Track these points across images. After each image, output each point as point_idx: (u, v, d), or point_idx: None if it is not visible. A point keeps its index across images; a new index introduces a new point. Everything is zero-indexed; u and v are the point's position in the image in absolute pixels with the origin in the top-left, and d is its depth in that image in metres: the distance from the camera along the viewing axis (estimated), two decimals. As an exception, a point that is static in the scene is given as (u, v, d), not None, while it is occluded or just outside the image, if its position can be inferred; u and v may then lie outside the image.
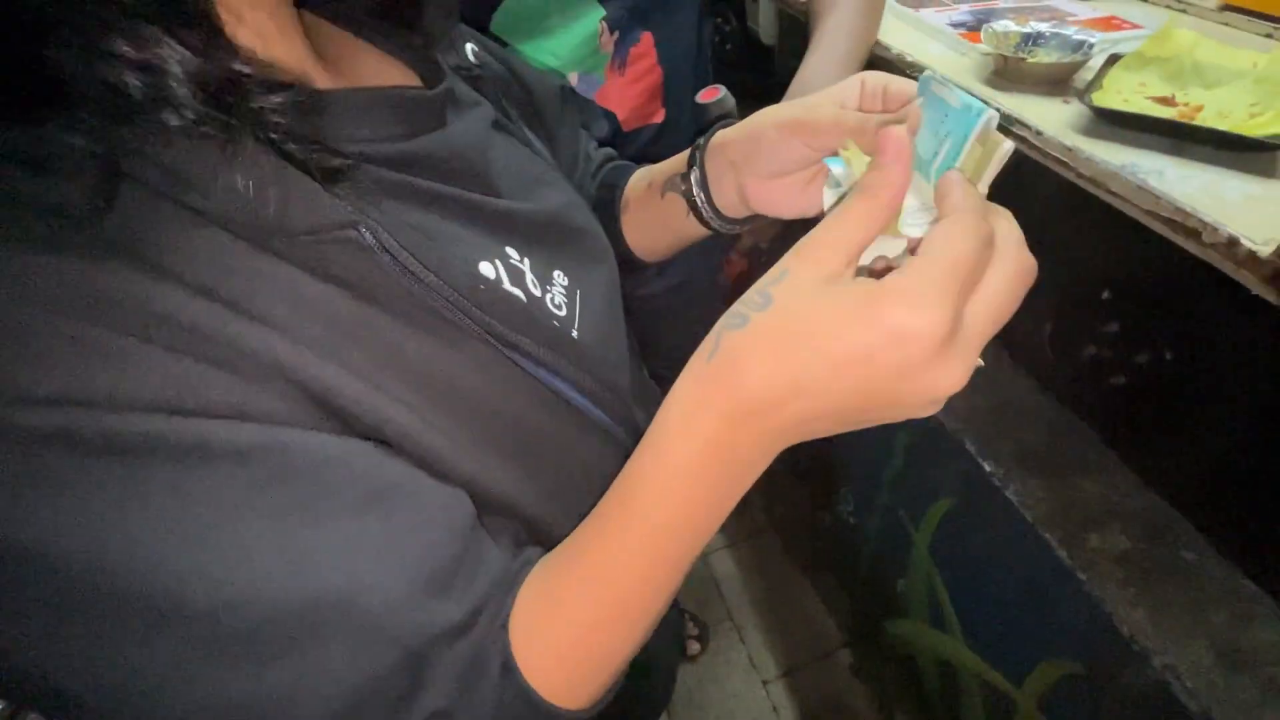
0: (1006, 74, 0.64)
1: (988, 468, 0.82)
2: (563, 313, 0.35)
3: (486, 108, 0.40)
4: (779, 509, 1.45)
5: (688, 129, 0.77)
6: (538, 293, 0.34)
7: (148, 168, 0.21)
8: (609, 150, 0.55)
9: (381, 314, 0.26)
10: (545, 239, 0.37)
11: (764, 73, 1.16)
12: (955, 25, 0.74)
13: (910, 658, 1.13)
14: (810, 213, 0.39)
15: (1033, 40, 0.65)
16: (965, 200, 0.24)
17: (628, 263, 0.51)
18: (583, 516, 0.30)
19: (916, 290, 0.22)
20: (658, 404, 0.27)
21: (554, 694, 0.27)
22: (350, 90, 0.30)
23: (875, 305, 0.23)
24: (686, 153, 0.45)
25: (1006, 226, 0.25)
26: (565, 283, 0.37)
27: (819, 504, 1.30)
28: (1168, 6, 0.77)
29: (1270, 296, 0.43)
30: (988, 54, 0.64)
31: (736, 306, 0.26)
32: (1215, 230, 0.45)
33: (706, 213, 0.44)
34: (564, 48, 0.67)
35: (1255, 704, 0.62)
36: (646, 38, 0.70)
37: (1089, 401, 1.37)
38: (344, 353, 0.25)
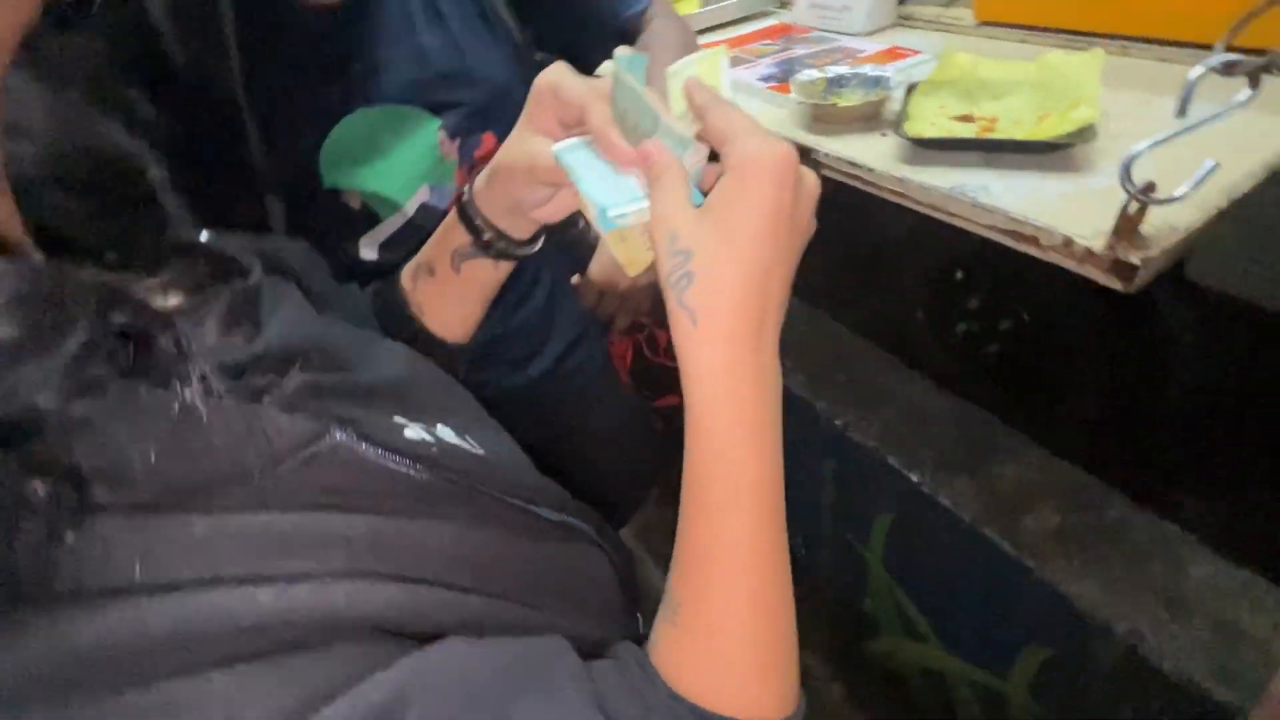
0: (823, 118, 0.67)
1: (915, 478, 0.83)
2: (479, 452, 0.35)
3: (293, 290, 0.36)
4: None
5: None
6: (454, 441, 0.34)
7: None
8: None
9: (373, 516, 0.25)
10: (414, 399, 0.36)
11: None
12: (764, 80, 0.78)
13: (897, 674, 1.12)
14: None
15: (837, 83, 0.69)
16: (708, 99, 0.32)
17: (450, 356, 0.49)
18: (586, 616, 0.31)
19: (755, 147, 0.28)
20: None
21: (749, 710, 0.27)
22: (173, 308, 0.28)
23: (747, 175, 0.28)
24: (448, 225, 0.45)
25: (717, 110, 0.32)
26: (453, 430, 0.36)
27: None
28: (936, 30, 0.86)
29: (1115, 285, 0.46)
30: (801, 103, 0.67)
31: (671, 278, 0.29)
32: (1050, 234, 0.48)
33: (513, 252, 0.45)
34: (404, 164, 0.63)
35: (1211, 642, 0.65)
36: (489, 138, 0.68)
37: (978, 382, 1.47)
38: (367, 567, 0.23)
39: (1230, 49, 0.40)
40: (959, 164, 0.57)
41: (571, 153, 0.36)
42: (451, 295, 0.48)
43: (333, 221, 0.65)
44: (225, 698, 0.18)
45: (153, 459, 0.20)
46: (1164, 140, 0.41)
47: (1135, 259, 0.44)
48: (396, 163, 0.63)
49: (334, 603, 0.21)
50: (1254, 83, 0.40)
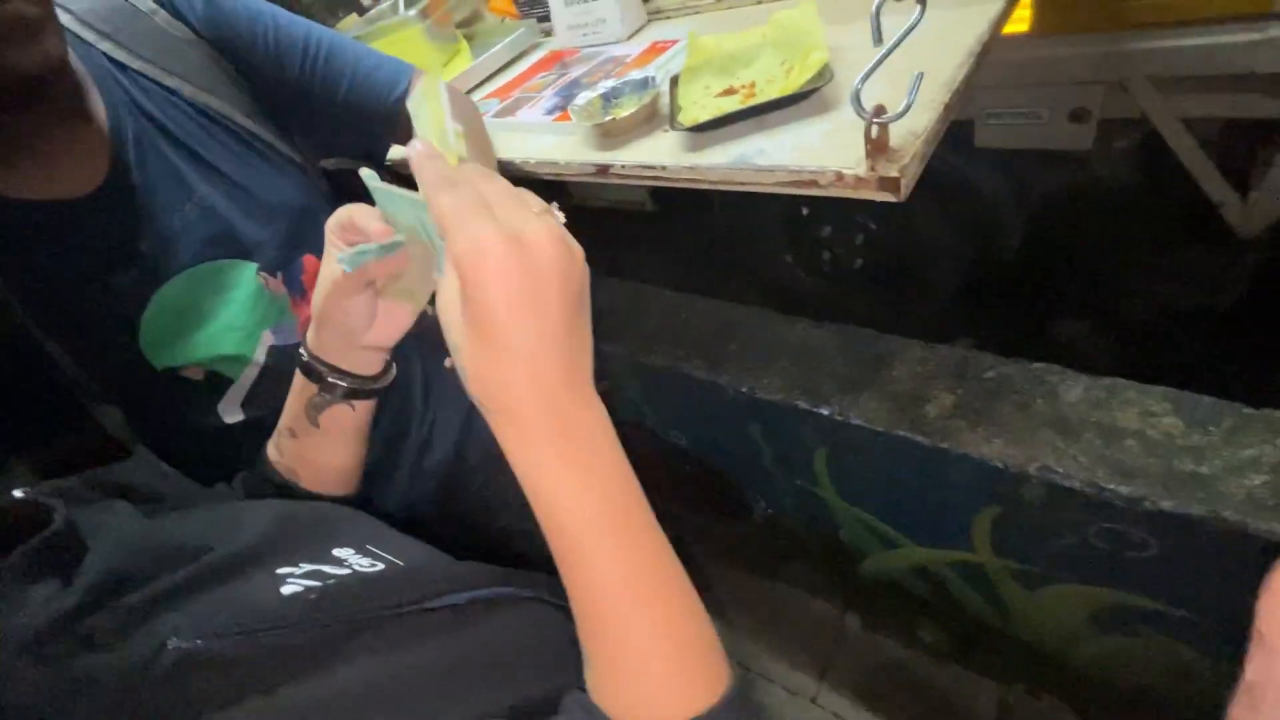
0: (608, 134, 0.70)
1: (825, 412, 0.88)
2: (379, 567, 0.36)
3: (119, 507, 0.36)
4: (714, 547, 1.45)
5: None
6: (347, 570, 0.35)
7: None
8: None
9: (262, 697, 0.25)
10: (292, 545, 0.36)
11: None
12: (550, 112, 0.81)
13: (894, 584, 1.18)
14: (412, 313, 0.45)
15: (611, 97, 0.73)
16: (429, 188, 0.31)
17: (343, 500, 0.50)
18: (526, 679, 0.32)
19: (461, 246, 0.28)
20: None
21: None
22: None
23: (464, 282, 0.28)
24: (297, 386, 0.47)
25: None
26: (351, 550, 0.37)
27: (737, 517, 1.32)
28: (685, 14, 0.92)
29: (889, 198, 0.51)
30: (587, 126, 0.70)
31: (461, 377, 0.31)
32: (824, 173, 0.53)
33: (368, 388, 0.47)
34: (236, 318, 0.61)
35: (1102, 448, 0.73)
36: (309, 259, 0.66)
37: (852, 300, 1.56)
38: None
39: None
40: (735, 136, 0.62)
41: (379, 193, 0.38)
42: (322, 450, 0.48)
43: (180, 401, 0.62)
44: None
45: None
46: (872, 69, 0.47)
47: (894, 172, 0.50)
48: (227, 320, 0.61)
49: None
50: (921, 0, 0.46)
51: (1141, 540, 0.73)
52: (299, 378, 0.47)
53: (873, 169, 0.50)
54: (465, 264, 0.27)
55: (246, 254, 0.62)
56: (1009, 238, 1.22)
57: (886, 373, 0.89)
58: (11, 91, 0.45)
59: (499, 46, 1.04)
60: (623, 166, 0.66)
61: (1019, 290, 1.32)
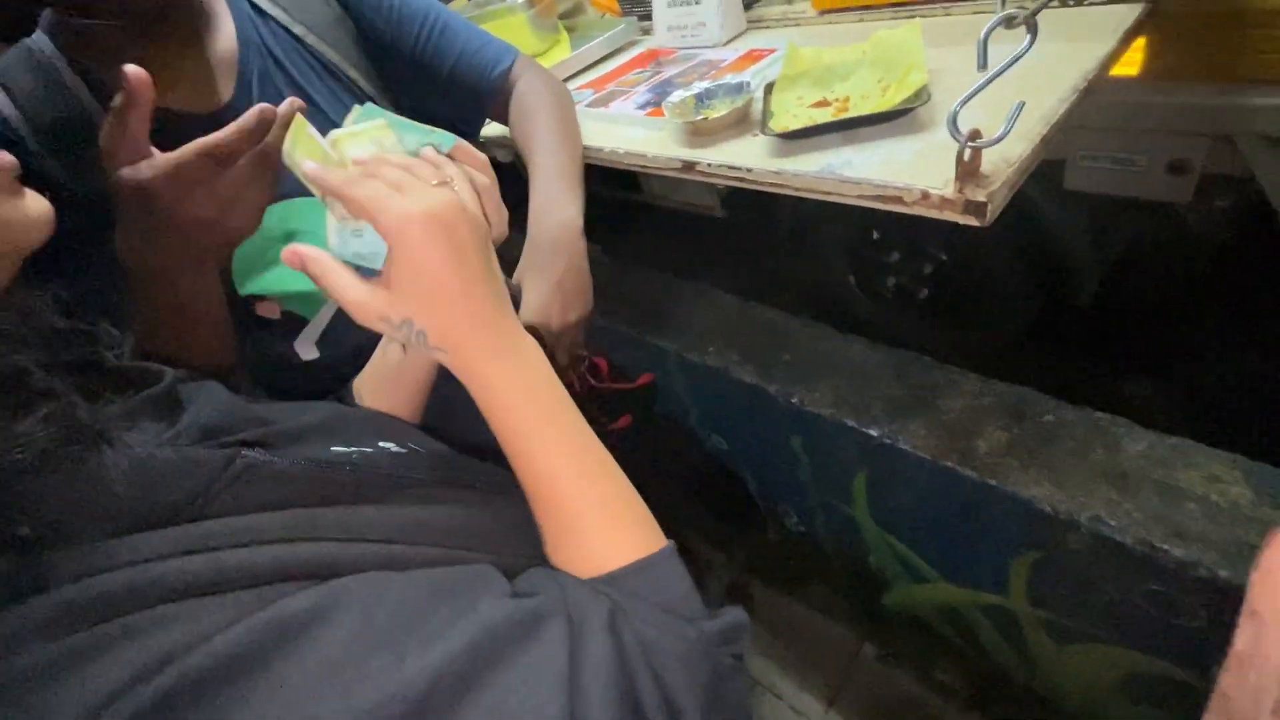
0: (698, 133, 0.72)
1: (874, 433, 0.88)
2: (402, 450, 0.42)
3: (213, 383, 0.42)
4: (740, 554, 1.45)
5: None
6: (380, 449, 0.40)
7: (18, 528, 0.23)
8: None
9: (304, 510, 0.30)
10: (345, 428, 0.42)
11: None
12: (642, 107, 0.84)
13: (918, 619, 1.16)
14: None
15: (705, 97, 0.75)
16: (334, 184, 0.37)
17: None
18: (514, 551, 0.37)
19: (393, 217, 0.34)
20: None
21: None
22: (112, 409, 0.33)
23: (400, 247, 0.34)
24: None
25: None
26: (393, 444, 0.42)
27: (764, 529, 1.32)
28: (784, 26, 0.93)
29: (972, 221, 0.52)
30: (677, 123, 0.73)
31: (412, 342, 0.36)
32: (910, 191, 0.54)
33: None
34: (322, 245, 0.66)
35: (1160, 507, 0.71)
36: None
37: (912, 329, 1.54)
38: (306, 539, 0.28)
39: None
40: (823, 147, 0.63)
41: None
42: (391, 382, 0.53)
43: (259, 334, 0.67)
44: (183, 617, 0.23)
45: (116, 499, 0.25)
46: (973, 94, 0.48)
47: (981, 196, 0.50)
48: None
49: (274, 555, 0.26)
50: (1031, 29, 0.47)
51: (1190, 608, 0.70)
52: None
53: (960, 191, 0.51)
54: (396, 239, 0.33)
55: None
56: (1086, 284, 1.18)
57: (940, 402, 0.88)
58: (146, 14, 0.55)
59: (598, 40, 1.08)
60: (709, 165, 0.68)
61: (1089, 340, 1.28)
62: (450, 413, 0.53)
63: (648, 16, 1.06)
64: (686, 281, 1.25)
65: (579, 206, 0.69)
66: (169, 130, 0.59)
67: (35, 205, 0.31)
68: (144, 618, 0.22)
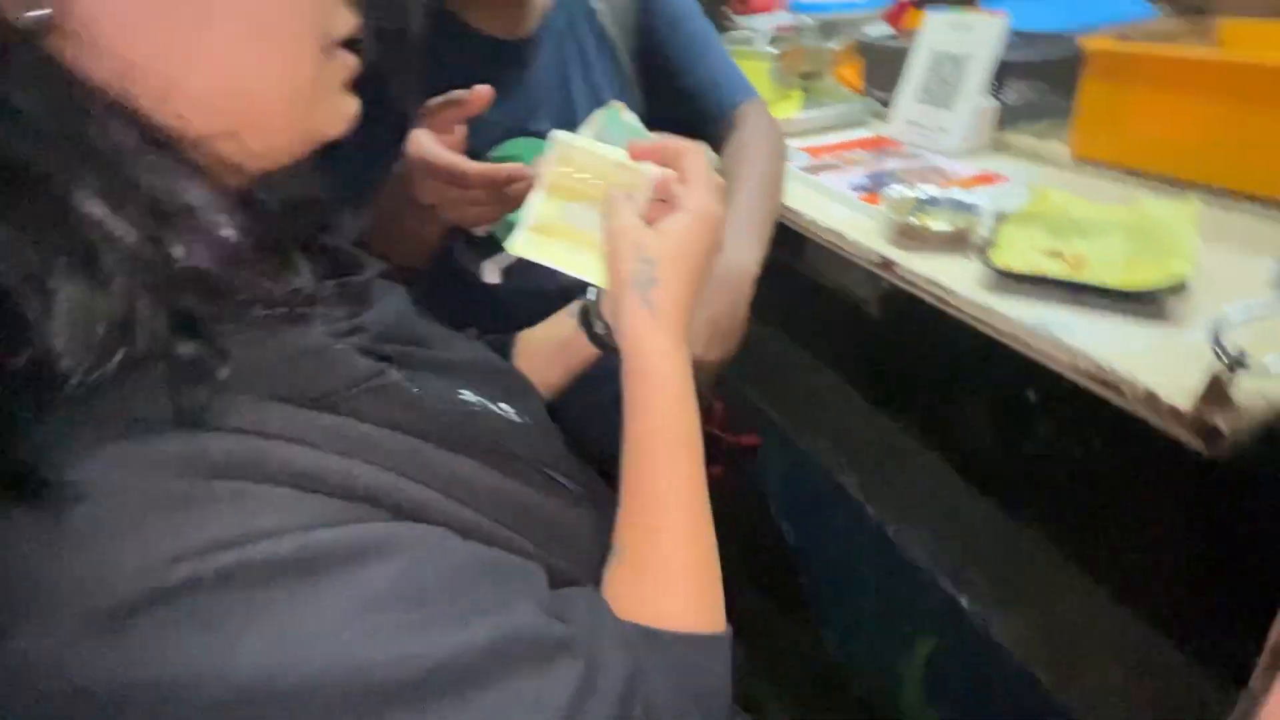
0: (909, 236, 0.69)
1: (964, 603, 0.80)
2: (520, 420, 0.42)
3: (399, 289, 0.45)
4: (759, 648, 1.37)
5: None
6: (498, 411, 0.41)
7: (221, 369, 0.25)
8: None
9: (420, 440, 0.31)
10: (481, 378, 0.44)
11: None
12: (855, 188, 0.82)
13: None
14: None
15: (928, 203, 0.72)
16: (679, 148, 0.43)
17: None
18: (568, 561, 0.35)
19: (709, 201, 0.40)
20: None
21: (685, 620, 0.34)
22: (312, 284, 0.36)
23: (700, 219, 0.40)
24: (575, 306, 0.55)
25: (691, 158, 0.42)
26: (513, 410, 0.43)
27: (798, 637, 1.24)
28: (1030, 160, 0.88)
29: (1199, 448, 0.45)
30: (890, 218, 0.70)
31: (636, 277, 0.39)
32: (1134, 386, 0.48)
33: (604, 335, 0.53)
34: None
35: None
36: None
37: (1043, 510, 1.40)
38: (405, 472, 0.29)
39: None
40: (1044, 298, 0.58)
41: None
42: (544, 350, 0.57)
43: (459, 248, 0.72)
44: (263, 503, 0.24)
45: (276, 363, 0.28)
46: (1257, 313, 0.42)
47: (1222, 425, 0.43)
48: None
49: (362, 478, 0.27)
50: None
51: None
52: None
53: (1198, 412, 0.44)
54: (710, 214, 0.40)
55: None
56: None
57: (1055, 604, 0.78)
58: None
59: (830, 109, 1.07)
60: (910, 272, 0.65)
61: (1255, 616, 1.10)
62: (585, 415, 0.54)
63: (887, 103, 1.04)
64: (822, 366, 1.21)
65: (757, 256, 0.69)
66: (467, 45, 0.68)
67: (350, 105, 0.33)
68: (246, 489, 0.24)
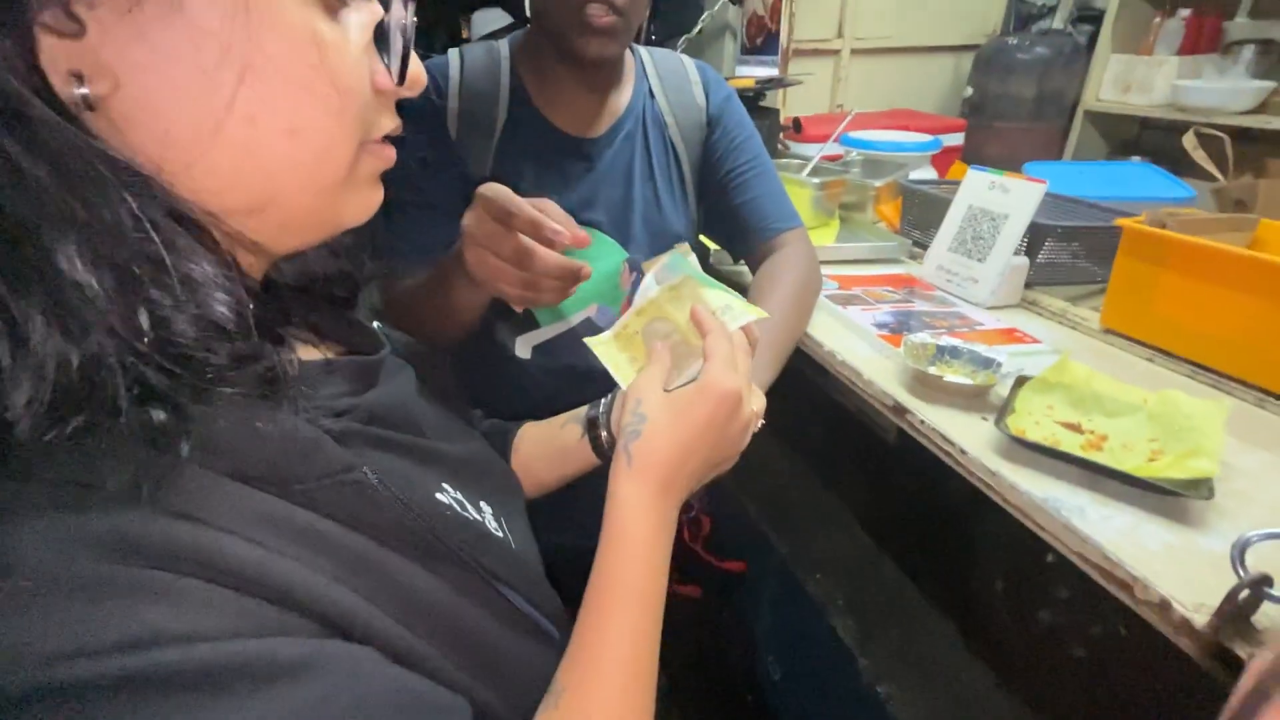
0: (926, 385, 0.68)
1: (954, 791, 0.72)
2: (500, 534, 0.42)
3: (409, 371, 0.46)
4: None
5: None
6: (477, 517, 0.41)
7: (183, 443, 0.25)
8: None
9: (376, 545, 0.31)
10: (468, 474, 0.44)
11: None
12: (878, 326, 0.82)
13: None
14: None
15: (948, 353, 0.71)
16: (711, 324, 0.45)
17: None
18: (520, 705, 0.34)
19: (721, 375, 0.42)
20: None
21: None
22: (319, 361, 0.36)
23: (704, 392, 0.42)
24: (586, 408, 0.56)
25: (715, 337, 0.44)
26: (491, 510, 0.43)
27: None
28: (1059, 323, 0.87)
29: (1214, 671, 0.41)
30: (908, 363, 0.69)
31: (626, 428, 0.42)
32: (1146, 588, 0.45)
33: (606, 443, 0.54)
34: (590, 281, 0.72)
35: None
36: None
37: (1055, 686, 1.29)
38: (349, 581, 0.28)
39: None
40: (1057, 474, 0.56)
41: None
42: (543, 450, 0.57)
43: (497, 316, 0.76)
44: (187, 601, 0.23)
45: (244, 442, 0.27)
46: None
47: (1240, 651, 0.40)
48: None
49: (300, 586, 0.26)
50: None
51: None
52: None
53: (1214, 631, 0.41)
54: (716, 389, 0.41)
55: (625, 245, 0.77)
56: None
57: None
58: (580, 59, 0.70)
59: (864, 244, 1.10)
60: (921, 422, 0.64)
61: None
62: (575, 520, 0.53)
63: (922, 245, 1.06)
64: (830, 492, 1.17)
65: (768, 378, 0.71)
66: (545, 136, 0.76)
67: (376, 196, 0.34)
68: (174, 584, 0.23)
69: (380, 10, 0.30)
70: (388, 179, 0.35)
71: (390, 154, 0.34)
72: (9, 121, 0.21)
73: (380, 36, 0.30)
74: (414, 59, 0.31)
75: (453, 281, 0.59)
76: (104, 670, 0.20)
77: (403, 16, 0.30)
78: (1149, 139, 1.92)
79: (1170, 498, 0.52)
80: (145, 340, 0.23)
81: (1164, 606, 0.44)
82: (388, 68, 0.31)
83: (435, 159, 0.72)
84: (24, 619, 0.20)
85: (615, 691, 0.35)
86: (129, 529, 0.23)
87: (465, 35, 2.39)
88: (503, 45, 0.77)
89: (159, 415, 0.24)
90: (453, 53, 0.76)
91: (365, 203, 0.33)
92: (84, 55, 0.23)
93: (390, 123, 0.33)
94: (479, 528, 0.40)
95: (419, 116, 0.73)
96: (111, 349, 0.23)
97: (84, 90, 0.23)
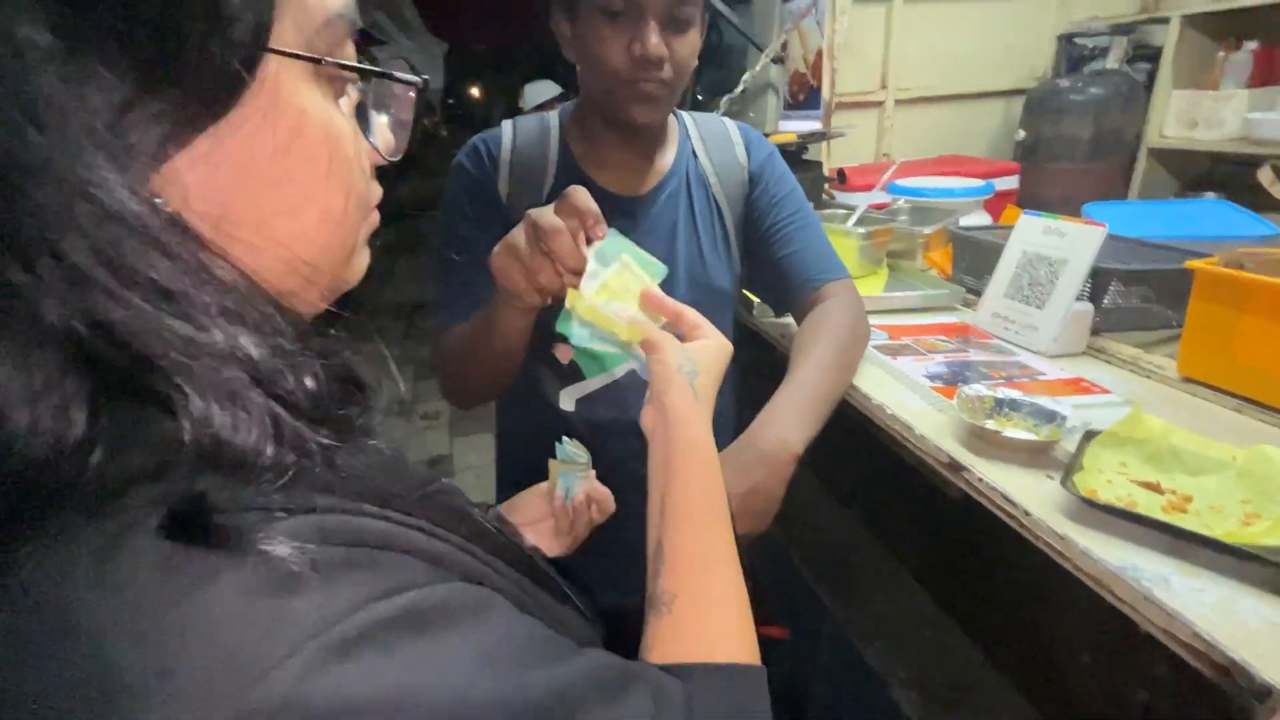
0: (983, 440, 0.65)
1: None
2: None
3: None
4: None
5: None
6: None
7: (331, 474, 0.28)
8: None
9: (465, 540, 0.34)
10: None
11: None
12: (931, 378, 0.79)
13: None
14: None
15: (1007, 406, 0.68)
16: (675, 308, 0.55)
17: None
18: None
19: (717, 334, 0.53)
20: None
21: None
22: None
23: (722, 346, 0.53)
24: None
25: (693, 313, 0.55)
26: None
27: None
28: (1130, 371, 0.82)
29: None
30: (963, 418, 0.66)
31: (683, 369, 0.49)
32: (1247, 673, 0.40)
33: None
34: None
35: None
36: None
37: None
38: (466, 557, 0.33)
39: None
40: (1136, 538, 0.51)
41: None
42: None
43: (543, 365, 0.77)
44: (407, 566, 0.27)
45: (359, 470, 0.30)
46: None
47: (1370, 755, 0.35)
48: None
49: (446, 552, 0.30)
50: None
51: None
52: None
53: (1334, 726, 0.36)
54: (721, 343, 0.53)
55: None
56: None
57: None
58: (627, 125, 0.74)
59: (915, 292, 1.07)
60: (979, 480, 0.60)
61: None
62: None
63: (976, 292, 1.03)
64: (890, 553, 1.11)
65: (807, 435, 0.68)
66: (604, 205, 0.79)
67: (366, 257, 0.37)
68: (382, 556, 0.27)
69: (354, 92, 0.33)
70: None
71: (376, 219, 0.37)
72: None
73: (361, 115, 0.34)
74: (382, 126, 0.36)
75: (495, 305, 0.63)
76: (375, 616, 0.24)
77: (382, 94, 0.35)
78: (1221, 174, 1.83)
79: (1271, 568, 0.47)
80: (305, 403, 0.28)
81: (1267, 696, 0.39)
82: (372, 145, 0.35)
83: (486, 220, 0.76)
84: (326, 583, 0.24)
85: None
86: (326, 523, 0.26)
87: (521, 105, 2.53)
88: (553, 115, 0.82)
89: (324, 455, 0.28)
90: (506, 123, 0.81)
91: (363, 265, 0.37)
92: (164, 180, 0.26)
93: (378, 191, 0.36)
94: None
95: (473, 183, 0.77)
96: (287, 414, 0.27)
97: (159, 200, 0.26)
